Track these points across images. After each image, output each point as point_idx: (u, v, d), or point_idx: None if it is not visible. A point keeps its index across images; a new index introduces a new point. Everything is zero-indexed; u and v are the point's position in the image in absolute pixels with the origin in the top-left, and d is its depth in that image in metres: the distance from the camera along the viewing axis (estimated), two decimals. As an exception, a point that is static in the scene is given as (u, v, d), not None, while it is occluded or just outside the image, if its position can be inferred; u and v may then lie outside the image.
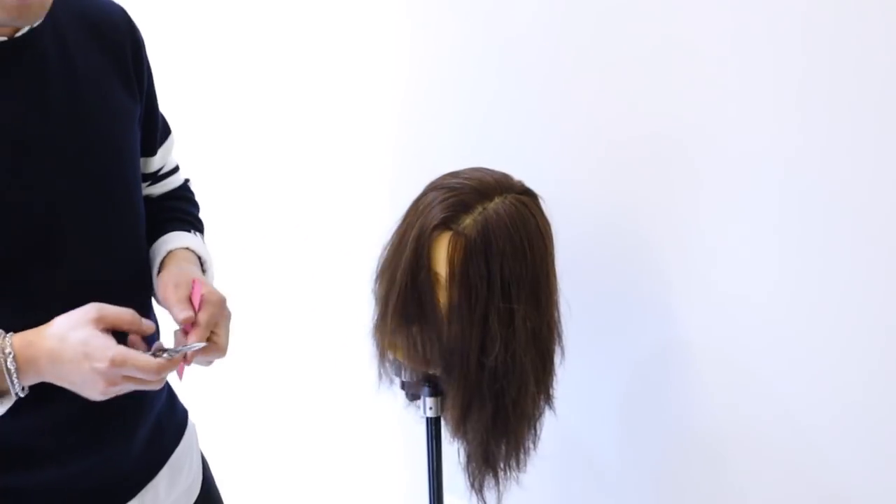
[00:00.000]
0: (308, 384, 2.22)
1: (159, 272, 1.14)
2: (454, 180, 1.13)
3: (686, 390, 1.23)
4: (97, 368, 0.91)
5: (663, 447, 1.29)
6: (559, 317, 1.18)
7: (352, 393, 2.07)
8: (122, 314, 0.95)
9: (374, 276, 1.19)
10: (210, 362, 1.05)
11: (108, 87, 1.08)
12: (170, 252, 1.17)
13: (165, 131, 1.25)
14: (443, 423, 1.26)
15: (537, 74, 1.36)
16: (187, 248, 1.18)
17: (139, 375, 0.92)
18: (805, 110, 1.01)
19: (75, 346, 0.91)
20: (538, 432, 1.21)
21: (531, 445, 1.20)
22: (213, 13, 1.98)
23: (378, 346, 1.20)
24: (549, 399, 1.20)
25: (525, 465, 1.21)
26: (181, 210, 1.28)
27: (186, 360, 0.97)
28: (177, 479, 1.24)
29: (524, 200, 1.13)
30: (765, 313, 1.11)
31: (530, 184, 1.17)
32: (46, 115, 1.00)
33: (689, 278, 1.19)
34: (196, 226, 1.27)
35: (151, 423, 1.19)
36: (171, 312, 1.04)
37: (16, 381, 0.91)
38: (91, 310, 0.94)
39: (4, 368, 0.90)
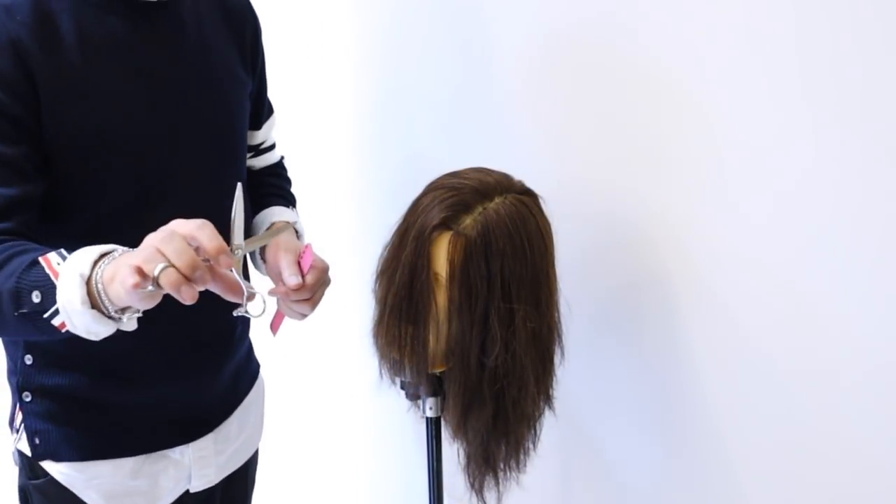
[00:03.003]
0: (308, 384, 2.22)
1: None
2: (454, 180, 1.13)
3: (687, 390, 1.23)
4: (157, 234, 0.86)
5: (664, 447, 1.29)
6: (559, 317, 1.18)
7: (352, 393, 2.07)
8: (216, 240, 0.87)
9: (374, 277, 1.19)
10: (304, 316, 1.15)
11: (229, 57, 1.26)
12: (273, 223, 1.33)
13: (270, 111, 1.44)
14: (443, 423, 1.26)
15: (538, 74, 1.36)
16: (288, 222, 1.32)
17: (205, 242, 0.86)
18: (810, 110, 1.01)
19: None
20: (538, 433, 1.21)
21: (531, 446, 1.20)
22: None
23: (378, 346, 1.20)
24: (549, 399, 1.20)
25: (525, 465, 1.21)
26: (280, 187, 1.46)
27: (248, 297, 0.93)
28: (245, 423, 1.38)
29: (524, 200, 1.12)
30: (767, 314, 1.10)
31: (530, 184, 1.17)
32: (178, 64, 1.17)
33: (690, 278, 1.19)
34: (292, 202, 1.45)
35: (235, 365, 1.33)
36: (281, 274, 1.13)
37: (106, 301, 0.88)
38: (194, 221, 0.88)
39: (97, 292, 0.88)
